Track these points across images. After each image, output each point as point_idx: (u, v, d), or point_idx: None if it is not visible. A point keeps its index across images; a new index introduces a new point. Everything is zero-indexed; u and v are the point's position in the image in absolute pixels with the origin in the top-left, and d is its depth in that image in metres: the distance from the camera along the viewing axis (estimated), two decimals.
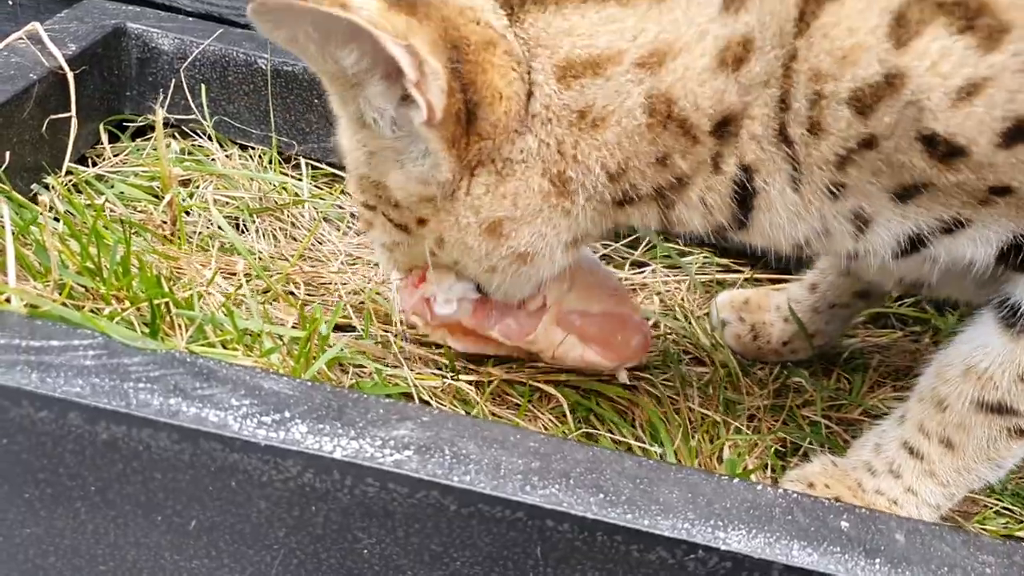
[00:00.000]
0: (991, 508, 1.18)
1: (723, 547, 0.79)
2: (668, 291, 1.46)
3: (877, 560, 0.80)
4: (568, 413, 1.15)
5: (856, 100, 0.78)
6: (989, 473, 1.02)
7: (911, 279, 1.06)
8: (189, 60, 1.46)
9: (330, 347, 1.06)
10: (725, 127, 0.85)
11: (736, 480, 0.85)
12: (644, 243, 1.52)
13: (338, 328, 1.18)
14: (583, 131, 0.86)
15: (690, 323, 1.40)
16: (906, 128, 0.79)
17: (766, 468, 1.18)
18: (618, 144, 0.86)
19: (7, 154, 1.19)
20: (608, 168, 0.88)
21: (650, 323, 1.39)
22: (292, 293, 1.25)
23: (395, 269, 1.10)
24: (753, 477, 1.15)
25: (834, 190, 0.86)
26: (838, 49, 0.77)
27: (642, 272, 1.50)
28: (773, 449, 1.20)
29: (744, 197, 0.89)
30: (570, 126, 0.86)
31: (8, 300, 0.91)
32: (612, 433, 1.16)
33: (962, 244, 0.89)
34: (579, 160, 0.88)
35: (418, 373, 1.13)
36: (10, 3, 1.75)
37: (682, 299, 1.45)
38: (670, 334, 1.38)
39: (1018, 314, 0.89)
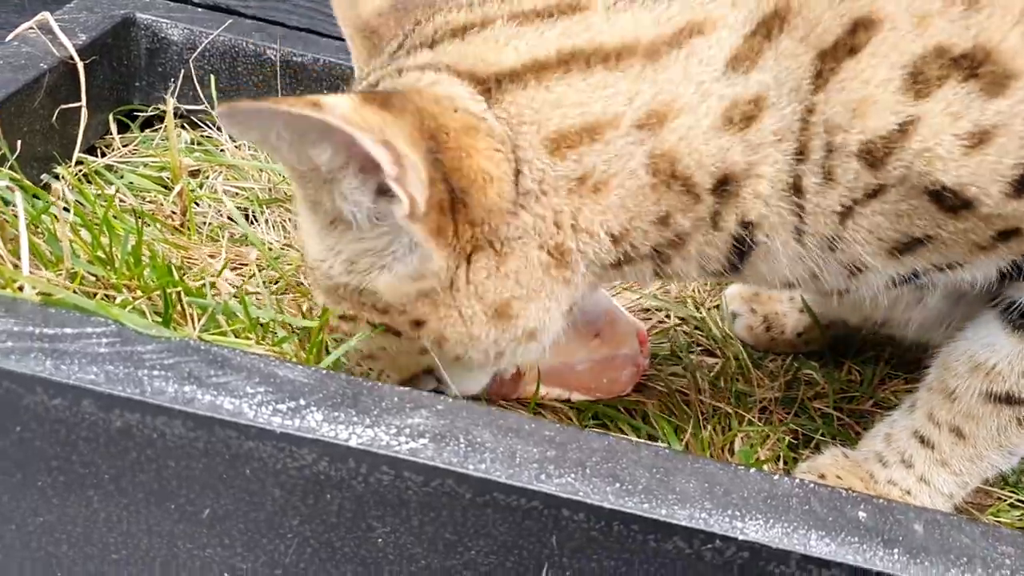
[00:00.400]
0: (1005, 500, 1.18)
1: (740, 537, 0.78)
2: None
3: (895, 550, 0.80)
4: (576, 410, 1.14)
5: (867, 152, 0.79)
6: (1001, 461, 1.02)
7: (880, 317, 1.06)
8: (198, 51, 1.45)
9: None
10: (724, 186, 0.84)
11: (753, 470, 0.85)
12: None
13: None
14: (584, 198, 0.85)
15: (700, 315, 1.39)
16: (914, 181, 0.79)
17: (778, 460, 1.18)
18: (622, 206, 0.85)
19: (18, 143, 1.18)
20: (612, 231, 0.86)
21: (661, 314, 1.39)
22: (302, 283, 1.24)
23: (389, 380, 1.02)
24: (765, 468, 1.15)
25: (833, 244, 0.86)
26: (851, 101, 0.77)
27: None
28: (786, 441, 1.20)
29: (742, 249, 0.89)
30: (569, 194, 0.85)
31: (21, 288, 0.91)
32: (622, 430, 1.16)
33: (959, 275, 0.91)
34: (580, 228, 0.86)
35: None
36: None
37: (692, 290, 1.44)
38: (680, 326, 1.38)
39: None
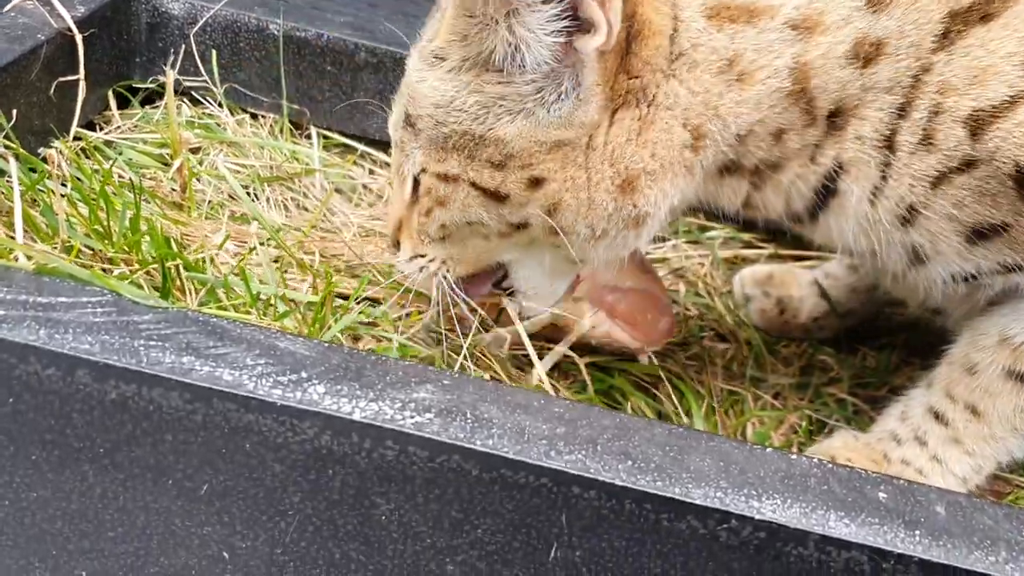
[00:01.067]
0: None
1: (757, 516, 0.75)
2: (690, 266, 1.43)
3: (917, 532, 0.77)
4: (590, 384, 1.11)
5: (974, 120, 0.78)
6: (1016, 446, 1.01)
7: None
8: (199, 25, 1.42)
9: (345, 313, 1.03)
10: (836, 117, 0.83)
11: (770, 449, 0.82)
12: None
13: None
14: (730, 83, 0.83)
15: (713, 299, 1.36)
16: (1005, 157, 0.78)
17: (792, 446, 1.15)
18: (757, 104, 0.83)
19: (14, 112, 1.15)
20: (740, 128, 0.84)
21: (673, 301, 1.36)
22: (304, 260, 1.21)
23: (451, 274, 0.97)
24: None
25: (908, 217, 0.84)
26: (974, 68, 0.77)
27: (662, 247, 1.46)
28: (803, 427, 1.17)
29: (826, 194, 0.87)
30: (718, 73, 0.83)
31: (16, 258, 0.88)
32: (634, 410, 1.13)
33: (1019, 278, 0.89)
34: (720, 114, 0.84)
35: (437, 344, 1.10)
36: None
37: (705, 274, 1.41)
38: (690, 310, 1.35)
39: None
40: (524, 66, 0.82)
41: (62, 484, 0.82)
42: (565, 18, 0.79)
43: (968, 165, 0.80)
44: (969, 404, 0.99)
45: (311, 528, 0.81)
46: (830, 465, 0.82)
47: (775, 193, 0.89)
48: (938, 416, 1.02)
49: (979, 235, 0.84)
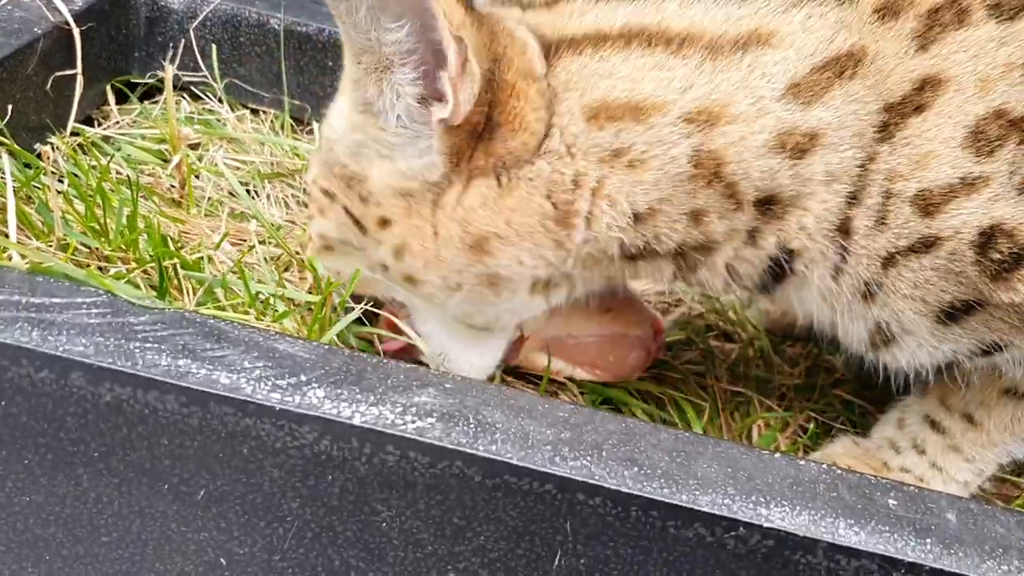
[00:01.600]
0: None
1: (766, 524, 0.74)
2: None
3: (928, 540, 0.75)
4: (587, 393, 1.10)
5: (921, 199, 0.79)
6: (1016, 448, 1.01)
7: None
8: (199, 19, 1.41)
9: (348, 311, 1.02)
10: (769, 205, 0.83)
11: (778, 455, 0.80)
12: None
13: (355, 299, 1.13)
14: (615, 169, 0.83)
15: (719, 299, 1.35)
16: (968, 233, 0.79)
17: (797, 449, 1.14)
18: (655, 185, 0.83)
19: (8, 107, 1.14)
20: (637, 208, 0.84)
21: (676, 298, 1.34)
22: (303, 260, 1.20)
23: (322, 269, 1.00)
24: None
25: (870, 292, 0.85)
26: (915, 154, 0.78)
27: None
28: (810, 430, 1.16)
29: (778, 274, 0.87)
30: (600, 163, 0.83)
31: (9, 256, 0.86)
32: (636, 416, 1.11)
33: (1000, 358, 0.88)
34: (601, 194, 0.84)
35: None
36: None
37: None
38: (695, 310, 1.33)
39: None
40: (393, 118, 0.85)
41: (56, 488, 0.80)
42: (423, 81, 0.82)
43: (927, 246, 0.81)
44: (965, 414, 0.99)
45: (310, 534, 0.79)
46: (839, 471, 0.80)
47: (711, 273, 0.89)
48: (934, 425, 1.02)
49: (951, 315, 0.84)
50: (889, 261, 0.82)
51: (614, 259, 0.88)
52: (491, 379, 1.05)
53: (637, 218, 0.84)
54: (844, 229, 0.83)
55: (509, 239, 0.86)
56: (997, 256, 0.79)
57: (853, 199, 0.82)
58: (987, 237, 0.78)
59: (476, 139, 0.83)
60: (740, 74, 0.80)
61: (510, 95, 0.82)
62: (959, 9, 0.77)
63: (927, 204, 0.79)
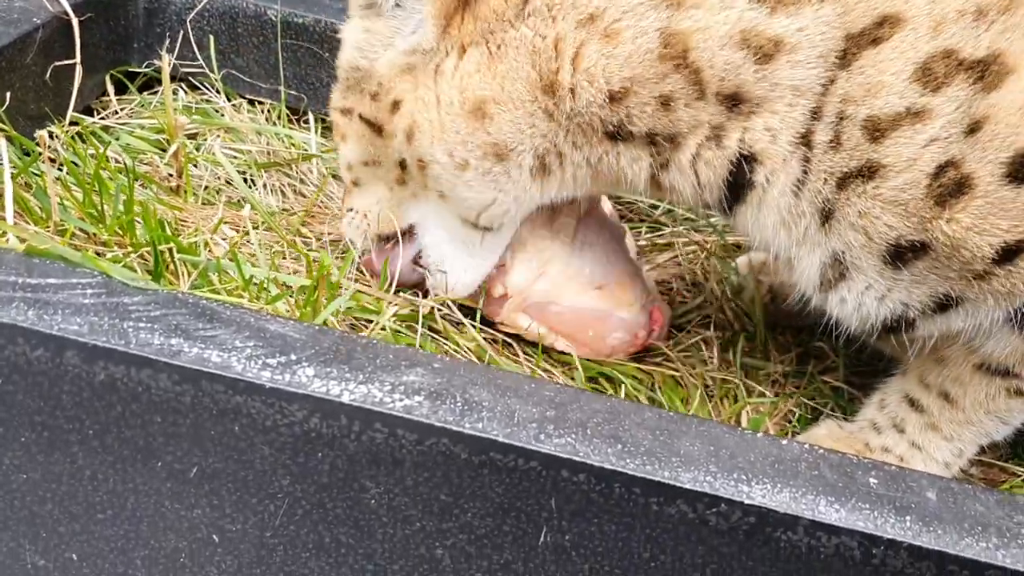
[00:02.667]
0: (1020, 476, 1.14)
1: (747, 501, 0.75)
2: (689, 252, 1.42)
3: (908, 517, 0.76)
4: (580, 370, 1.11)
5: (871, 125, 0.84)
6: (993, 428, 1.02)
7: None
8: (197, 10, 1.42)
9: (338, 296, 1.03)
10: (735, 102, 0.87)
11: (760, 434, 0.82)
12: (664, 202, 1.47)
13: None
14: (591, 35, 0.88)
15: (712, 286, 1.36)
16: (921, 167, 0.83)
17: (786, 435, 1.15)
18: (627, 61, 0.87)
19: (7, 95, 1.15)
20: (612, 85, 0.88)
21: (670, 285, 1.36)
22: (298, 242, 1.21)
23: (370, 228, 1.09)
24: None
25: (827, 213, 0.88)
26: (867, 83, 0.83)
27: (662, 233, 1.46)
28: (797, 415, 1.17)
29: (737, 184, 0.91)
30: (577, 26, 0.88)
31: (7, 239, 0.88)
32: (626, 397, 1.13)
33: (954, 320, 0.91)
34: (580, 67, 0.88)
35: (431, 327, 1.10)
36: None
37: (704, 261, 1.40)
38: (685, 297, 1.35)
39: None
40: (392, 3, 0.96)
41: (52, 466, 0.82)
42: None
43: (875, 171, 0.85)
44: (942, 391, 1.00)
45: (300, 511, 0.81)
46: (821, 450, 0.81)
47: (680, 174, 0.92)
48: (913, 403, 1.04)
49: (899, 256, 0.87)
50: (842, 183, 0.86)
51: (598, 134, 0.92)
52: (485, 355, 1.07)
53: (612, 97, 0.89)
54: (807, 141, 0.87)
55: (504, 104, 0.92)
56: (945, 181, 0.82)
57: (816, 114, 0.86)
58: (940, 169, 0.82)
59: (464, 6, 0.91)
60: None
61: None
62: None
63: (875, 129, 0.83)
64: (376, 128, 0.99)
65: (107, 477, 0.82)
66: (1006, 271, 0.84)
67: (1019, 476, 1.15)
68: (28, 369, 0.77)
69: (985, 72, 0.80)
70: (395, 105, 0.97)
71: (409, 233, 1.09)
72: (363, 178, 1.06)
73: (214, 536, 0.83)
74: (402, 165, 1.00)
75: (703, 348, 1.26)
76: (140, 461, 0.80)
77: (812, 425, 1.14)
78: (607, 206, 1.25)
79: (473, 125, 0.93)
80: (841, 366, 1.25)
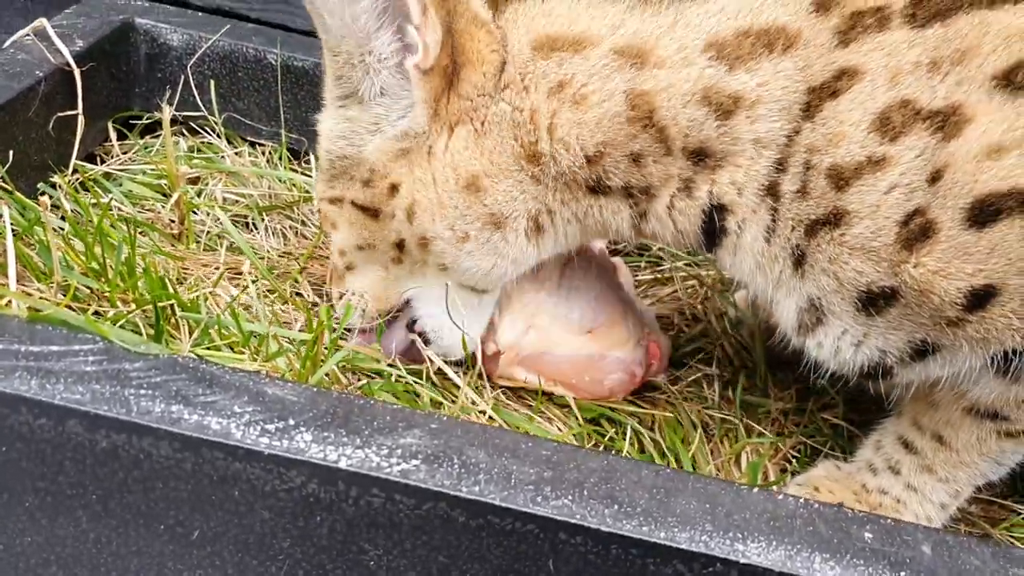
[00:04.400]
0: (1020, 514, 1.15)
1: (742, 560, 0.76)
2: (689, 287, 1.43)
3: (903, 573, 0.77)
4: (578, 414, 1.12)
5: (835, 173, 0.86)
6: (988, 469, 1.03)
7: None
8: (197, 56, 1.44)
9: (339, 349, 1.04)
10: (701, 156, 0.91)
11: (756, 490, 0.82)
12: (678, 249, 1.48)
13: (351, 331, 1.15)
14: (562, 103, 0.92)
15: (710, 322, 1.36)
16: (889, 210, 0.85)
17: (787, 474, 1.15)
18: (598, 125, 0.91)
19: (10, 153, 1.17)
20: (587, 149, 0.92)
21: (668, 321, 1.36)
22: (300, 295, 1.22)
23: (368, 307, 1.10)
24: (773, 483, 1.13)
25: (800, 260, 0.91)
26: (829, 133, 0.86)
27: (661, 268, 1.46)
28: (802, 453, 1.17)
29: (712, 231, 0.94)
30: (549, 96, 0.92)
31: (9, 303, 0.89)
32: (626, 438, 1.13)
33: (932, 368, 0.93)
34: (556, 136, 0.92)
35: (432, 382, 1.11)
36: None
37: (704, 296, 1.41)
38: (683, 333, 1.35)
39: (1011, 364, 0.90)
40: (375, 92, 0.97)
41: (56, 530, 0.83)
42: (398, 41, 0.93)
43: (840, 218, 0.87)
44: (935, 434, 1.01)
45: (301, 573, 0.82)
46: (816, 505, 0.82)
47: (659, 222, 0.96)
48: (907, 445, 1.04)
49: (871, 301, 0.89)
50: (811, 230, 0.89)
51: (582, 189, 0.96)
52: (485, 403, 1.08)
53: (589, 160, 0.93)
54: (773, 192, 0.90)
55: (495, 176, 0.96)
56: (912, 227, 0.84)
57: (781, 166, 0.89)
58: (908, 217, 0.85)
59: (449, 84, 0.94)
60: (667, 19, 0.89)
61: (466, 39, 0.93)
62: (881, 16, 0.85)
63: (839, 178, 0.86)
64: (372, 212, 1.01)
65: (110, 540, 0.83)
66: (979, 317, 0.86)
67: (1019, 514, 1.15)
68: (31, 437, 0.78)
69: (945, 123, 0.82)
70: (393, 188, 0.99)
71: (404, 305, 1.10)
72: (357, 262, 1.07)
73: None
74: (399, 245, 1.02)
75: (703, 385, 1.26)
76: (143, 525, 0.81)
77: (810, 466, 1.14)
78: (598, 243, 1.26)
79: (470, 199, 0.97)
80: (841, 403, 1.25)
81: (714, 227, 0.94)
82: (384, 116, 0.98)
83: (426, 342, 1.10)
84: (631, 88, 0.89)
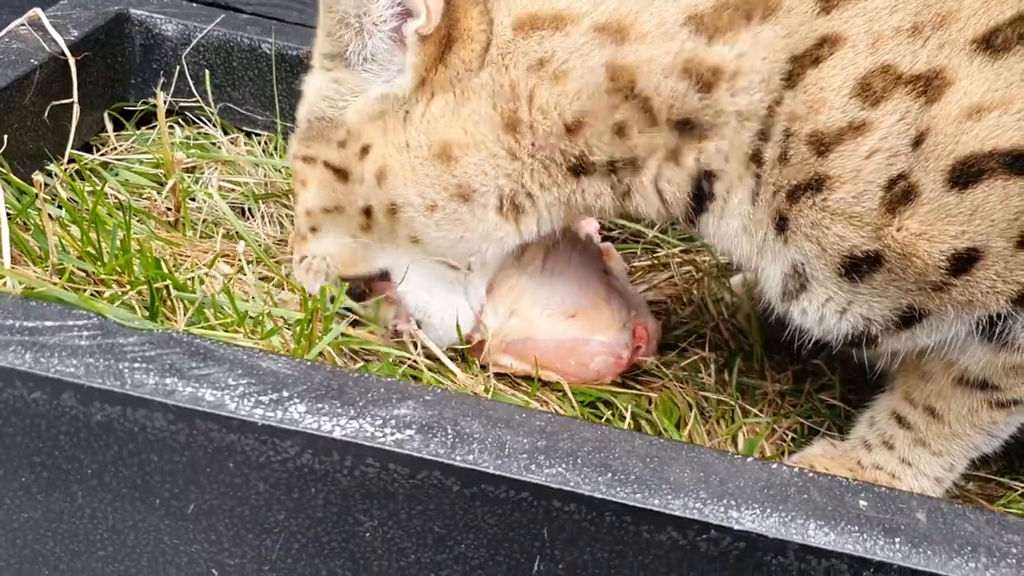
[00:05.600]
0: (1017, 491, 1.15)
1: (736, 527, 0.76)
2: (685, 272, 1.43)
3: (897, 539, 0.77)
4: (571, 396, 1.12)
5: (815, 140, 0.87)
6: (982, 441, 1.03)
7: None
8: (192, 46, 1.44)
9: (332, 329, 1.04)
10: (687, 126, 0.91)
11: (750, 459, 0.82)
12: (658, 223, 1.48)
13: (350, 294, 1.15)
14: (543, 79, 0.92)
15: (706, 306, 1.37)
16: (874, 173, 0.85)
17: (783, 454, 1.15)
18: (577, 95, 0.92)
19: (5, 138, 1.17)
20: (566, 118, 0.93)
21: (664, 306, 1.36)
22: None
23: (327, 265, 1.08)
24: (770, 458, 1.13)
25: (782, 224, 0.91)
26: (811, 100, 0.86)
27: (656, 254, 1.47)
28: (799, 432, 1.17)
29: (700, 197, 0.94)
30: (528, 71, 0.93)
31: (4, 282, 0.89)
32: (623, 418, 1.13)
33: (919, 336, 0.93)
34: (535, 105, 0.93)
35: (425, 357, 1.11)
36: None
37: (699, 279, 1.41)
38: (679, 318, 1.35)
39: (995, 328, 0.90)
40: (364, 55, 0.98)
41: (52, 505, 0.83)
42: (398, 6, 0.94)
43: (821, 183, 0.87)
44: (927, 407, 1.02)
45: (296, 545, 0.82)
46: (811, 474, 0.82)
47: (643, 198, 0.96)
48: (900, 419, 1.05)
49: (855, 268, 0.89)
50: (792, 195, 0.89)
51: (562, 170, 0.96)
52: (481, 384, 1.08)
53: (569, 129, 0.93)
54: (757, 159, 0.90)
55: (468, 146, 0.96)
56: (896, 191, 0.85)
57: (763, 136, 0.89)
58: (892, 181, 0.85)
59: (440, 54, 0.95)
60: None
61: (461, 14, 0.94)
62: None
63: (820, 144, 0.86)
64: (342, 174, 1.02)
65: (106, 515, 0.83)
66: (963, 281, 0.86)
67: (1016, 490, 1.15)
68: (26, 411, 0.79)
69: (927, 87, 0.82)
70: (364, 150, 0.99)
71: (384, 279, 1.09)
72: (322, 225, 1.07)
73: (213, 570, 0.84)
74: (367, 212, 1.02)
75: (700, 368, 1.26)
76: (138, 499, 0.82)
77: (807, 444, 1.15)
78: (591, 226, 1.26)
79: (439, 168, 0.97)
80: (837, 383, 1.26)
81: (702, 193, 0.94)
82: (369, 81, 0.98)
83: (418, 324, 1.10)
84: (611, 61, 0.90)
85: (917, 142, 0.83)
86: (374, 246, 1.05)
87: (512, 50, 0.93)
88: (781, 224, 0.92)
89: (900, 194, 0.84)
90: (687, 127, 0.91)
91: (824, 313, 0.94)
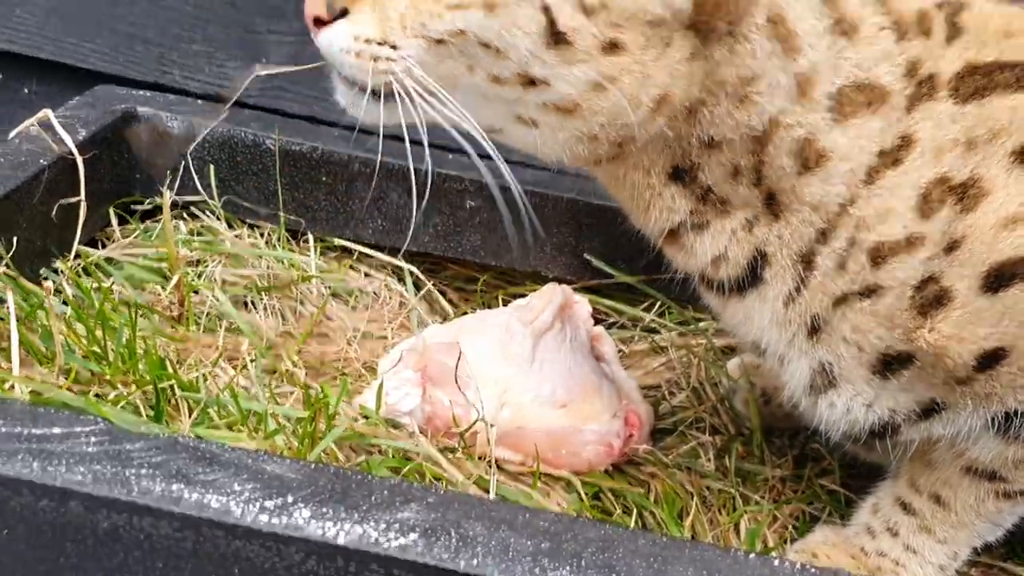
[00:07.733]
0: None
1: None
2: (682, 356, 1.44)
3: None
4: (580, 489, 1.12)
5: (875, 251, 0.86)
6: (986, 530, 1.03)
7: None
8: (197, 142, 1.48)
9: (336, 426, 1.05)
10: (771, 202, 0.89)
11: (752, 555, 0.83)
12: (656, 307, 1.50)
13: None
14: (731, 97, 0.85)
15: (704, 391, 1.38)
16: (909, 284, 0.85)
17: (785, 542, 1.15)
18: (735, 128, 0.86)
19: (15, 240, 1.19)
20: (706, 134, 0.87)
21: (663, 391, 1.37)
22: (295, 373, 1.23)
23: (416, 94, 0.84)
24: (773, 551, 1.13)
25: (816, 327, 0.91)
26: (882, 207, 0.85)
27: (654, 337, 1.48)
28: (801, 520, 1.17)
29: (753, 274, 0.93)
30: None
31: (12, 388, 0.91)
32: (627, 508, 1.14)
33: (936, 426, 0.94)
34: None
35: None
36: (25, 91, 1.78)
37: (697, 364, 1.42)
38: (676, 401, 1.36)
39: (1011, 424, 0.91)
40: None
41: None
42: None
43: (871, 292, 0.87)
44: (933, 494, 1.02)
45: None
46: (814, 570, 0.82)
47: (713, 239, 0.92)
48: (905, 506, 1.05)
49: (887, 365, 0.90)
50: (840, 302, 0.89)
51: (666, 172, 0.90)
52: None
53: (707, 144, 0.87)
54: (807, 261, 0.89)
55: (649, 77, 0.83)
56: (926, 294, 0.85)
57: (822, 237, 0.88)
58: (923, 284, 0.86)
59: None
60: (830, 50, 0.84)
61: None
62: (932, 84, 0.85)
63: (878, 256, 0.86)
64: (556, 35, 0.79)
65: None
66: (987, 376, 0.87)
67: None
68: (33, 520, 0.79)
69: (964, 195, 0.84)
70: (613, 47, 0.81)
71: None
72: (458, 55, 0.82)
73: None
74: (535, 82, 0.82)
75: (699, 454, 1.27)
76: None
77: (809, 531, 1.15)
78: (584, 310, 1.27)
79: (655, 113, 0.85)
80: (837, 468, 1.26)
81: (756, 269, 0.92)
82: None
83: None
84: (775, 116, 0.85)
85: (951, 248, 0.84)
86: (493, 101, 0.86)
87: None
88: (815, 327, 0.91)
89: (932, 297, 0.85)
90: (772, 204, 0.89)
91: (852, 406, 0.94)
